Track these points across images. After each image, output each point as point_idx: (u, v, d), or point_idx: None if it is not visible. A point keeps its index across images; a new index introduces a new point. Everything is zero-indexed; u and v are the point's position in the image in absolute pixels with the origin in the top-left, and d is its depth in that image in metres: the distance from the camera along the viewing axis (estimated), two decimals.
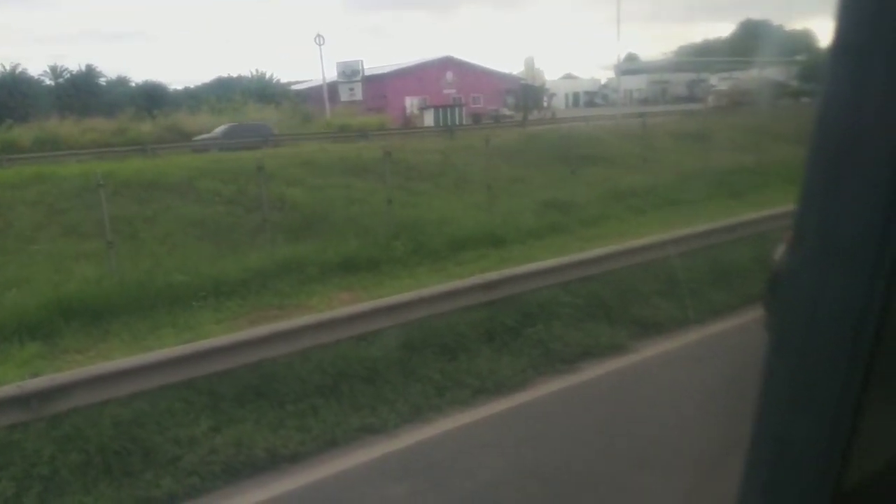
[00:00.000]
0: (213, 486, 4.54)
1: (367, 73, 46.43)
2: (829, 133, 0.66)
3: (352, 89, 45.03)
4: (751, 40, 52.35)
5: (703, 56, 54.89)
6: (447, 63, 49.73)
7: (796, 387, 0.68)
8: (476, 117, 40.14)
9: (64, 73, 49.84)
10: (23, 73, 46.81)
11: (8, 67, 45.76)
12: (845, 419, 0.65)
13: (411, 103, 43.91)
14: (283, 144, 21.51)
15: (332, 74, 43.69)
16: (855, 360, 0.64)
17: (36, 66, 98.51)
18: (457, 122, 35.57)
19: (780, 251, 6.17)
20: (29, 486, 4.35)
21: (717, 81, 45.23)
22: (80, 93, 46.96)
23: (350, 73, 45.76)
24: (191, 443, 4.83)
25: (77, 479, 4.45)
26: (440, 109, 38.25)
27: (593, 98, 62.34)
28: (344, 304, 7.66)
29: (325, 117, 34.20)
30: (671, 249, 8.51)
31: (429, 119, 37.82)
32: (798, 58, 46.41)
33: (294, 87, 50.76)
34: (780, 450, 0.70)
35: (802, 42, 50.56)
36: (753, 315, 6.57)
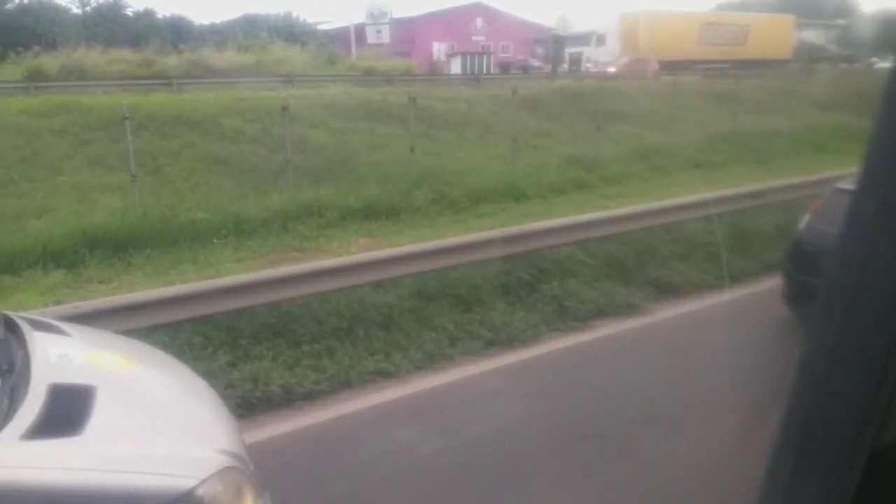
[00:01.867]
0: None
1: (395, 15, 45.58)
2: None
3: (379, 31, 44.20)
4: (792, 1, 50.51)
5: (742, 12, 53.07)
6: (478, 9, 48.65)
7: (842, 341, 0.68)
8: (504, 67, 39.39)
9: (91, 2, 49.48)
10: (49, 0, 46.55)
11: None
12: (889, 378, 0.66)
13: (439, 49, 43.15)
14: (308, 85, 21.31)
15: (360, 16, 43.00)
16: None
17: None
18: (484, 71, 34.95)
19: (806, 220, 6.09)
20: None
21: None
22: (107, 22, 46.69)
23: (378, 14, 44.87)
24: (208, 376, 4.95)
25: None
26: (468, 56, 37.55)
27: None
28: (363, 249, 7.73)
29: (351, 59, 33.74)
30: (692, 212, 8.45)
31: (456, 66, 37.16)
32: (839, 21, 44.83)
33: (321, 28, 50.09)
34: (818, 405, 0.71)
35: (843, 5, 48.72)
36: (772, 284, 6.54)
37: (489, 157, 12.66)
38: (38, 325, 2.89)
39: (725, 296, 6.80)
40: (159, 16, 50.68)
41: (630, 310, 6.62)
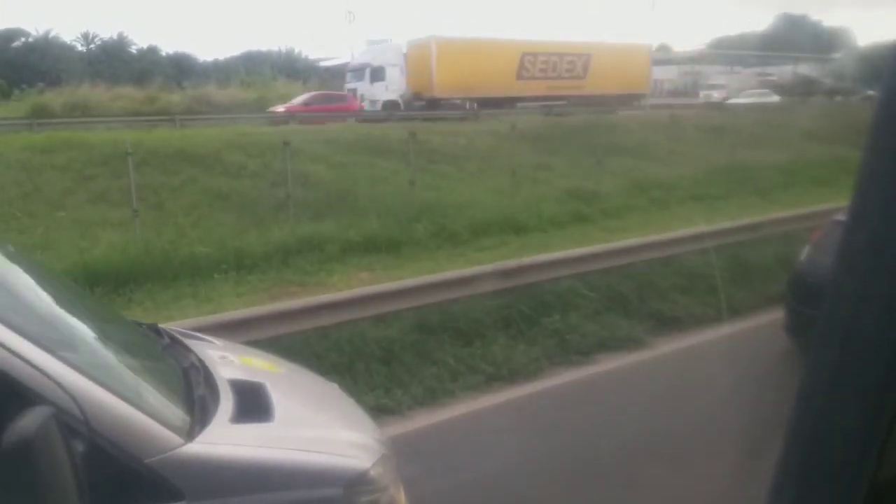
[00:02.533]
0: None
1: None
2: (892, 129, 0.65)
3: None
4: (787, 35, 51.37)
5: (737, 49, 53.93)
6: None
7: (839, 373, 0.68)
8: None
9: (95, 40, 50.30)
10: (55, 37, 47.35)
11: (41, 32, 46.26)
12: (887, 410, 0.65)
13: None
14: (310, 121, 21.57)
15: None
16: None
17: (68, 31, 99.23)
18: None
19: (805, 252, 6.10)
20: None
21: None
22: (111, 59, 47.41)
23: None
24: None
25: None
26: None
27: None
28: (363, 283, 7.72)
29: None
30: (693, 245, 8.45)
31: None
32: (835, 55, 45.47)
33: (322, 64, 50.73)
34: (817, 438, 0.70)
35: (840, 38, 49.51)
36: (773, 316, 6.51)
37: (489, 190, 12.73)
38: (185, 335, 3.15)
39: (727, 329, 6.77)
40: (163, 53, 51.56)
41: (632, 343, 6.59)
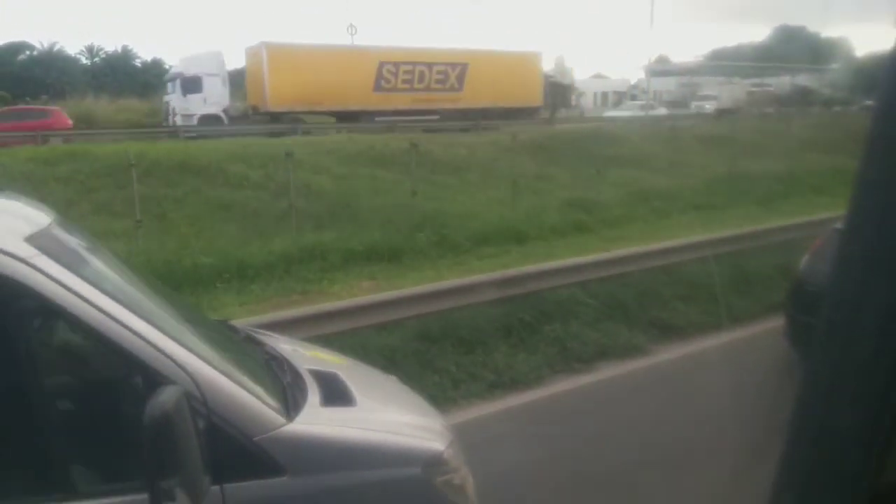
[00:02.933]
0: None
1: None
2: (887, 140, 0.66)
3: None
4: (785, 46, 51.63)
5: (735, 60, 54.21)
6: None
7: (838, 380, 0.69)
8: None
9: (100, 53, 50.60)
10: (60, 50, 47.63)
11: (46, 45, 46.54)
12: (886, 417, 0.66)
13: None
14: (312, 132, 21.71)
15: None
16: None
17: (73, 44, 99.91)
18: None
19: (805, 260, 6.13)
20: None
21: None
22: (116, 72, 47.65)
23: None
24: None
25: None
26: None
27: (622, 98, 61.86)
28: (365, 292, 7.76)
29: None
30: (693, 254, 8.49)
31: None
32: (833, 66, 45.66)
33: None
34: (817, 445, 0.70)
35: (837, 50, 49.74)
36: (774, 324, 6.53)
37: (490, 200, 12.79)
38: (252, 331, 3.31)
39: (727, 337, 6.79)
40: (167, 66, 51.72)
41: (633, 351, 6.62)
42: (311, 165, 12.94)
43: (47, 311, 1.93)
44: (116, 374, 2.14)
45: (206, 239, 9.85)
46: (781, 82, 45.84)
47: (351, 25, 39.66)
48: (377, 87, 27.46)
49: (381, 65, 27.50)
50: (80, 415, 2.05)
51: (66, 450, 1.91)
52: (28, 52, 46.94)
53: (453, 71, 29.14)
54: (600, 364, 6.35)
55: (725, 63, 52.54)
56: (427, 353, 6.11)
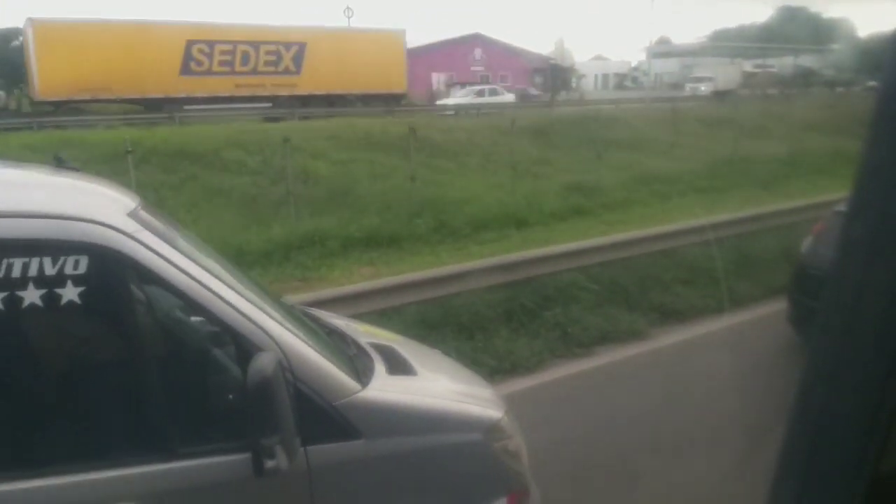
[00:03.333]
0: None
1: None
2: (892, 121, 0.65)
3: None
4: (787, 26, 51.24)
5: (737, 41, 53.83)
6: (476, 40, 49.28)
7: (840, 364, 0.68)
8: None
9: None
10: None
11: None
12: (889, 400, 0.65)
13: (438, 80, 43.63)
14: (310, 117, 21.55)
15: None
16: None
17: None
18: None
19: (807, 243, 6.08)
20: None
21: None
22: None
23: None
24: None
25: None
26: (467, 86, 37.96)
27: (623, 80, 61.56)
28: (365, 278, 7.71)
29: None
30: (694, 237, 8.44)
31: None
32: (835, 46, 45.36)
33: None
34: (819, 428, 0.70)
35: (840, 29, 49.39)
36: (776, 307, 6.50)
37: (490, 185, 12.71)
38: (303, 307, 3.43)
39: (729, 320, 6.76)
40: None
41: (634, 335, 6.58)
42: (309, 151, 12.86)
43: (150, 283, 2.01)
44: (212, 342, 2.26)
45: (204, 226, 9.77)
46: (784, 63, 45.55)
47: (348, 8, 39.36)
48: (185, 71, 23.72)
49: (190, 44, 23.68)
50: (178, 381, 2.15)
51: (167, 414, 2.00)
52: (21, 38, 46.50)
53: (287, 52, 25.33)
54: (601, 349, 6.32)
55: (728, 44, 52.23)
56: (427, 339, 6.04)
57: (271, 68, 25.22)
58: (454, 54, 46.42)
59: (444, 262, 8.08)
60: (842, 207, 5.73)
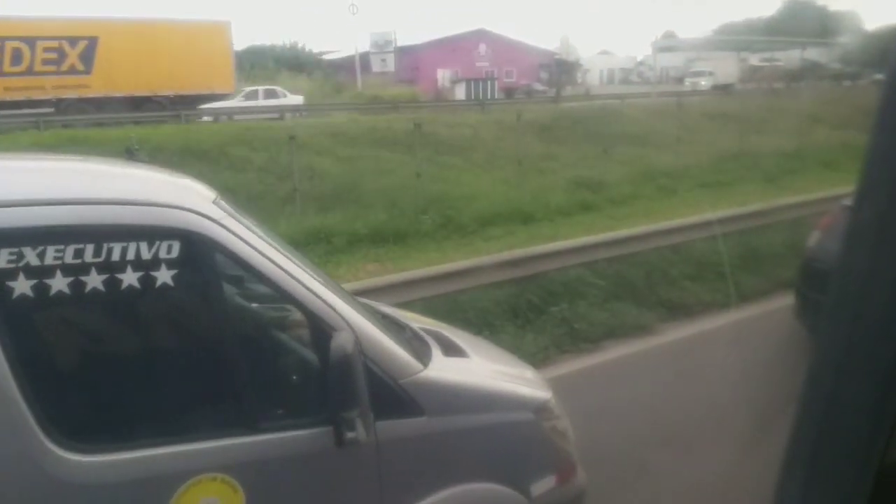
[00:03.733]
0: None
1: (399, 44, 46.13)
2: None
3: (384, 60, 44.77)
4: (793, 20, 50.97)
5: (744, 35, 53.55)
6: (481, 35, 49.16)
7: (848, 352, 0.68)
8: (508, 91, 39.76)
9: None
10: None
11: None
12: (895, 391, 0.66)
13: (443, 76, 43.59)
14: (315, 114, 21.55)
15: (364, 45, 43.41)
16: None
17: None
18: (489, 96, 35.26)
19: (814, 238, 6.05)
20: None
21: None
22: None
23: (382, 43, 45.49)
24: None
25: None
26: (472, 82, 37.93)
27: (628, 75, 61.32)
28: (371, 275, 7.72)
29: (357, 88, 34.15)
30: (701, 232, 8.41)
31: (460, 92, 37.55)
32: (841, 39, 45.08)
33: (326, 57, 50.66)
34: (827, 419, 0.70)
35: (846, 23, 49.08)
36: (783, 301, 6.48)
37: (495, 181, 12.70)
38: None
39: (737, 315, 6.74)
40: None
41: (641, 331, 6.57)
42: (315, 148, 12.87)
43: (235, 266, 2.13)
44: (291, 322, 2.38)
45: None
46: (790, 56, 45.27)
47: (352, 5, 39.27)
48: None
49: None
50: (261, 359, 2.27)
51: (252, 390, 2.09)
52: None
53: (73, 48, 21.08)
54: (608, 344, 6.31)
55: (734, 38, 51.93)
56: None
57: (53, 67, 20.91)
58: (459, 50, 46.32)
59: (450, 259, 8.08)
60: (849, 201, 5.71)
